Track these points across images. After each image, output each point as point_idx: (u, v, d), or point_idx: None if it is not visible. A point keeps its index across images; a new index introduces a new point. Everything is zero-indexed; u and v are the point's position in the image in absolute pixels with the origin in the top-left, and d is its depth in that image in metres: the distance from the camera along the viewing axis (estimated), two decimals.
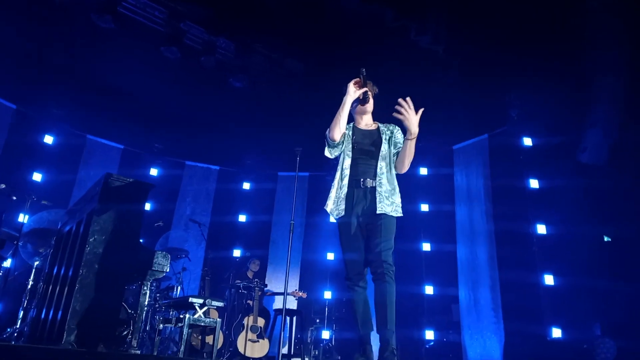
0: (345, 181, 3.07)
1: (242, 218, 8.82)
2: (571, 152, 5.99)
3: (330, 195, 3.16)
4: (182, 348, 3.79)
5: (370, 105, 3.23)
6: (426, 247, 7.54)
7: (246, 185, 9.06)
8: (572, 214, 6.07)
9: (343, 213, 3.01)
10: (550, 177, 6.43)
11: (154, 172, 8.36)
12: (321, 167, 8.77)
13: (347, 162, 3.12)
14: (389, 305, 2.74)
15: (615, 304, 5.40)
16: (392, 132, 3.24)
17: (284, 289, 4.67)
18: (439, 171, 7.74)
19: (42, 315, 3.80)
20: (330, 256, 8.42)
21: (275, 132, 7.86)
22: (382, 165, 3.11)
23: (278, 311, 6.46)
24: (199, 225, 7.38)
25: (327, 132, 3.09)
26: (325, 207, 3.14)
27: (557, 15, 5.45)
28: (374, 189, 3.02)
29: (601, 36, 5.46)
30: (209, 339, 4.67)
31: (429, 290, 7.27)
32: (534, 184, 6.58)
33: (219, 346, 5.66)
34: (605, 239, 6.06)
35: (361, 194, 3.03)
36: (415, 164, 7.87)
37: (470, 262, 6.88)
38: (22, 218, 5.41)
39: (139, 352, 3.28)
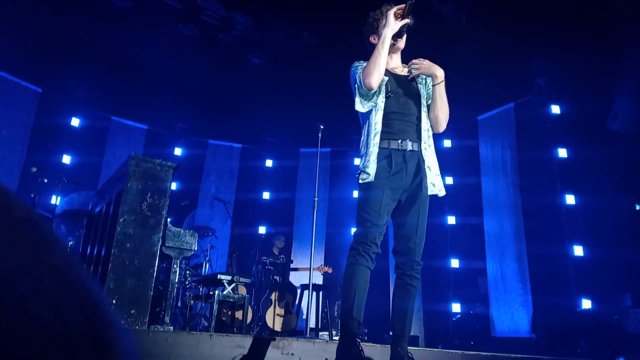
0: (378, 139, 2.41)
1: (265, 195, 8.89)
2: (601, 120, 5.79)
3: (361, 156, 2.50)
4: (212, 323, 3.90)
5: (403, 41, 2.58)
6: (451, 220, 7.48)
7: (269, 163, 9.09)
8: (601, 183, 5.91)
9: (372, 179, 2.35)
10: (579, 146, 6.25)
11: (178, 151, 8.46)
12: (343, 142, 8.73)
13: (379, 115, 2.44)
14: (410, 314, 2.38)
15: None
16: (426, 80, 2.62)
17: (309, 265, 4.72)
18: (463, 143, 7.61)
19: None
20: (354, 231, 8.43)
21: (296, 108, 7.82)
22: (426, 122, 2.53)
23: (305, 286, 6.55)
24: (224, 204, 7.47)
25: (358, 77, 2.43)
26: (357, 174, 2.48)
27: None
28: (416, 154, 2.44)
29: (627, 6, 5.21)
30: (239, 314, 4.77)
31: (454, 263, 7.25)
32: (562, 153, 6.42)
33: (248, 321, 5.78)
34: (637, 207, 5.90)
35: (400, 159, 2.39)
36: (439, 136, 7.79)
37: (497, 235, 6.81)
38: (55, 200, 5.56)
39: (172, 328, 3.38)
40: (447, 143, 7.79)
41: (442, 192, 2.54)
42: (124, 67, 6.95)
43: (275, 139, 8.99)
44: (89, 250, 4.08)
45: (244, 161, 8.95)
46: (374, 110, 2.47)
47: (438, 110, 2.54)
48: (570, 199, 6.22)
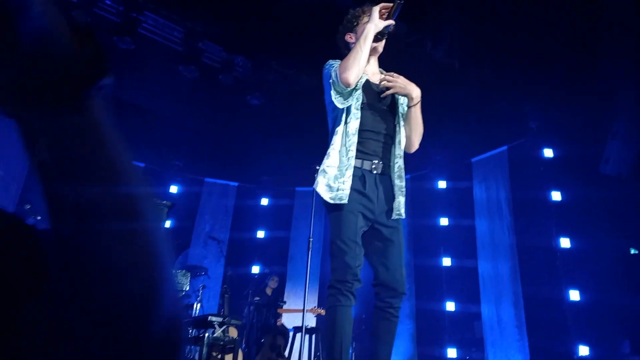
0: (353, 154, 2.22)
1: (260, 234, 8.84)
2: (594, 164, 5.86)
3: (325, 168, 2.26)
4: None
5: (382, 45, 2.40)
6: (446, 262, 7.43)
7: (264, 201, 9.09)
8: (596, 226, 5.92)
9: (345, 199, 2.17)
10: (573, 189, 6.30)
11: (173, 189, 8.47)
12: None
13: (355, 125, 2.25)
14: (391, 346, 2.23)
15: None
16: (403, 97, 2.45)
17: (302, 306, 4.63)
18: (458, 184, 7.66)
19: None
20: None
21: (292, 148, 7.91)
22: (400, 141, 2.39)
23: (297, 329, 6.41)
24: (217, 242, 7.41)
25: (334, 72, 2.21)
26: (314, 187, 2.28)
27: (576, 26, 5.40)
28: (387, 178, 2.32)
29: (621, 49, 5.39)
30: (229, 358, 4.64)
31: (450, 306, 7.14)
32: (556, 196, 6.45)
33: None
34: (632, 251, 5.88)
35: (372, 182, 2.25)
36: (433, 176, 7.88)
37: (492, 278, 6.74)
38: None
39: None
40: (441, 184, 7.84)
41: (403, 215, 2.42)
42: (123, 107, 7.06)
43: (272, 177, 9.04)
44: None
45: (240, 199, 8.95)
46: (346, 121, 2.29)
47: (412, 132, 2.45)
48: (565, 242, 6.21)
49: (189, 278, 3.57)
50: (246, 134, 7.89)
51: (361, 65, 2.18)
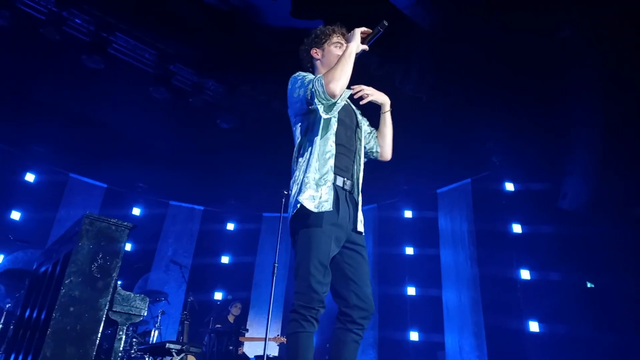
0: (329, 168, 2.16)
1: (224, 259, 8.68)
2: (552, 198, 6.09)
3: (306, 178, 2.15)
4: None
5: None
6: (411, 291, 7.47)
7: (230, 226, 8.97)
8: (554, 259, 6.10)
9: (328, 207, 2.08)
10: (533, 222, 6.50)
11: (136, 211, 8.25)
12: None
13: (332, 140, 2.22)
14: None
15: (599, 352, 5.35)
16: (361, 114, 2.52)
17: (265, 334, 4.54)
18: (423, 214, 7.78)
19: None
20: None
21: (261, 174, 7.89)
22: (362, 160, 2.40)
23: (259, 358, 6.26)
24: (180, 267, 7.23)
25: (317, 83, 2.13)
26: (295, 196, 2.15)
27: (536, 66, 5.68)
28: (353, 196, 2.28)
29: (577, 88, 5.69)
30: None
31: (414, 336, 7.14)
32: (516, 228, 6.64)
33: None
34: (589, 285, 6.07)
35: (343, 197, 2.21)
36: (400, 206, 7.99)
37: (455, 308, 6.81)
38: None
39: None
40: (407, 214, 7.94)
41: (361, 230, 2.31)
42: (88, 125, 6.91)
43: (239, 202, 8.95)
44: (27, 313, 3.80)
45: (205, 224, 8.80)
46: (323, 131, 2.22)
47: (386, 138, 2.51)
48: (525, 274, 6.36)
49: (147, 303, 3.44)
50: (215, 157, 7.82)
51: (347, 77, 2.17)
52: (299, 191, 2.15)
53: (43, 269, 4.00)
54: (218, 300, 8.19)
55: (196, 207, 8.88)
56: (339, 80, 2.12)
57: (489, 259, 6.60)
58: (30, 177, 7.21)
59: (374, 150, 2.57)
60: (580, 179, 5.81)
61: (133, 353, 5.23)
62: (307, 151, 2.24)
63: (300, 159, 2.27)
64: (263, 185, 7.96)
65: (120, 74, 6.20)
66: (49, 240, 6.74)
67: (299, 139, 2.33)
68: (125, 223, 3.37)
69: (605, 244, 5.60)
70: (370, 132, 2.57)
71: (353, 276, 2.19)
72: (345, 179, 2.25)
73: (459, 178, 7.40)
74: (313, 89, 2.14)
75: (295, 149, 2.34)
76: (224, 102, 6.92)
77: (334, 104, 2.16)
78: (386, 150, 2.54)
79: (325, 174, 2.16)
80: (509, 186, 6.89)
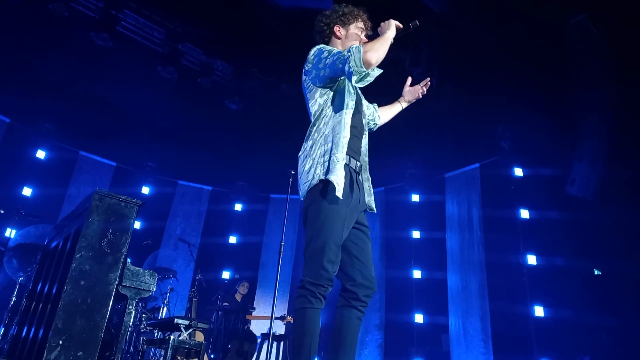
0: (345, 149, 2.16)
1: (232, 239, 8.76)
2: (560, 184, 6.05)
3: (322, 158, 2.17)
4: None
5: None
6: (417, 274, 7.51)
7: (238, 207, 9.03)
8: (561, 245, 6.09)
9: (340, 195, 2.07)
10: (541, 208, 6.48)
11: (145, 190, 8.32)
12: None
13: (349, 120, 2.22)
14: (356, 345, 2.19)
15: (604, 337, 5.38)
16: (367, 106, 2.60)
17: (271, 313, 4.61)
18: (430, 198, 7.78)
19: (23, 333, 3.71)
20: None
21: (269, 155, 7.90)
22: (367, 142, 2.46)
23: (265, 336, 6.36)
24: (188, 245, 7.31)
25: (355, 49, 2.10)
26: (323, 176, 2.12)
27: (547, 53, 5.61)
28: (359, 175, 2.32)
29: (587, 76, 5.62)
30: None
31: (418, 318, 7.20)
32: (524, 214, 6.62)
33: None
34: (596, 272, 6.07)
35: (355, 178, 2.26)
36: (407, 190, 7.98)
37: (460, 291, 6.85)
38: (9, 232, 5.34)
39: None
40: (415, 197, 7.94)
41: (373, 209, 2.40)
42: (98, 103, 6.93)
43: (246, 183, 8.99)
44: (39, 286, 3.89)
45: (213, 204, 8.86)
46: (343, 110, 2.23)
47: (390, 117, 2.75)
48: (531, 259, 6.37)
49: (156, 279, 3.50)
50: (223, 138, 7.84)
51: (384, 53, 2.16)
52: (325, 169, 2.13)
53: (54, 243, 4.07)
54: (226, 279, 8.30)
55: (204, 187, 8.93)
56: (377, 53, 2.12)
57: (496, 244, 6.60)
58: (41, 154, 7.28)
59: (374, 122, 2.69)
60: (589, 166, 5.76)
61: (142, 328, 5.35)
62: (326, 127, 2.24)
63: (316, 135, 2.26)
64: (271, 167, 7.98)
65: (129, 52, 6.20)
66: (59, 216, 6.84)
67: (316, 113, 2.30)
68: (134, 200, 3.41)
69: (613, 231, 5.58)
70: (374, 110, 2.68)
71: (359, 255, 2.23)
72: (356, 161, 2.29)
73: (467, 163, 7.36)
74: (349, 55, 2.10)
75: (311, 125, 2.31)
76: (232, 83, 6.92)
77: (366, 74, 2.15)
78: (382, 123, 2.73)
79: (343, 156, 2.15)
80: (518, 171, 6.86)
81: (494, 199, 6.84)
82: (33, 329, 3.44)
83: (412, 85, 2.74)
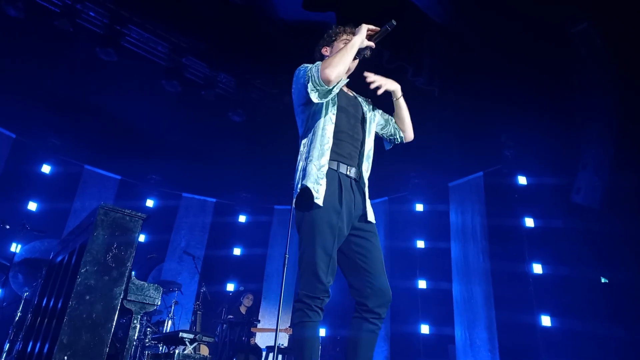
0: (327, 157, 2.17)
1: (236, 251, 8.75)
2: (566, 193, 6.03)
3: (303, 167, 2.18)
4: None
5: (356, 63, 2.40)
6: (422, 284, 7.46)
7: (242, 218, 9.03)
8: (567, 254, 6.05)
9: (320, 202, 2.08)
10: (546, 216, 6.45)
11: (150, 203, 8.35)
12: None
13: (330, 128, 2.22)
14: None
15: (612, 347, 5.32)
16: (373, 107, 2.55)
17: (276, 325, 4.58)
18: (434, 207, 7.76)
19: (29, 349, 3.71)
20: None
21: (272, 166, 7.92)
22: (370, 147, 2.41)
23: (270, 348, 6.32)
24: (193, 258, 7.30)
25: (313, 69, 2.15)
26: (300, 185, 2.15)
27: (550, 60, 5.61)
28: (360, 183, 2.28)
29: (591, 83, 5.62)
30: None
31: (424, 329, 7.15)
32: (529, 222, 6.59)
33: None
34: (602, 280, 6.02)
35: (348, 184, 2.22)
36: (411, 199, 7.97)
37: (466, 301, 6.79)
38: (15, 247, 5.35)
39: None
40: (419, 207, 7.92)
41: (374, 221, 2.33)
42: (103, 117, 6.99)
43: (250, 195, 9.00)
44: (44, 301, 3.89)
45: (217, 216, 8.87)
46: (322, 120, 2.24)
47: (404, 121, 2.55)
48: (537, 268, 6.32)
49: (161, 293, 3.50)
50: (226, 150, 7.87)
51: (344, 66, 2.15)
52: (302, 177, 2.16)
53: (59, 258, 4.08)
54: (230, 292, 8.28)
55: (208, 199, 8.95)
56: (335, 67, 2.11)
57: (501, 253, 6.57)
58: (46, 169, 7.33)
59: (397, 135, 2.61)
60: (594, 173, 5.74)
61: (147, 342, 5.33)
62: (308, 140, 2.26)
63: (302, 148, 2.29)
64: (274, 178, 7.99)
65: (133, 67, 6.26)
66: (64, 231, 6.87)
67: (302, 128, 2.35)
68: (139, 214, 3.42)
69: (620, 240, 5.54)
70: (387, 120, 2.60)
71: (365, 265, 2.18)
72: (348, 166, 2.25)
73: (471, 171, 7.35)
74: (309, 74, 2.14)
75: (300, 139, 2.35)
76: (235, 96, 6.96)
77: (329, 91, 2.15)
78: (408, 133, 2.60)
79: (325, 163, 2.16)
80: (522, 180, 6.83)
81: (499, 208, 6.81)
82: (38, 344, 3.43)
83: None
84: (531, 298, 6.17)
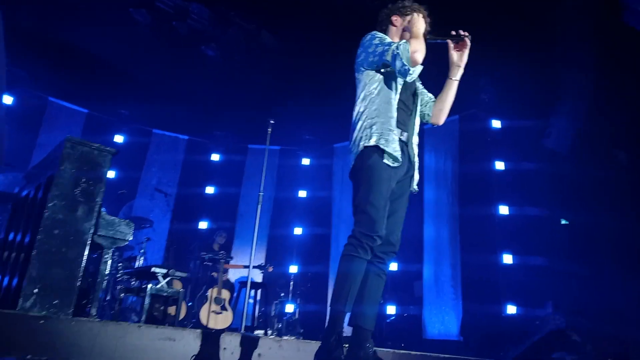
0: (392, 120, 2.38)
1: (209, 190, 8.71)
2: (537, 137, 6.14)
3: (375, 126, 2.35)
4: (143, 318, 3.76)
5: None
6: None
7: (215, 157, 8.92)
8: (533, 196, 6.26)
9: (384, 159, 2.31)
10: (516, 159, 6.59)
11: (119, 139, 8.11)
12: (293, 141, 8.71)
13: (395, 97, 2.44)
14: (377, 308, 2.39)
15: (569, 284, 5.65)
16: (422, 84, 2.75)
17: (249, 262, 4.67)
18: None
19: None
20: (298, 231, 8.47)
21: (247, 104, 7.73)
22: (417, 120, 2.63)
23: (243, 284, 6.48)
24: (164, 195, 7.25)
25: (402, 47, 2.32)
26: (367, 142, 2.32)
27: (531, 7, 5.50)
28: (409, 149, 2.51)
29: (571, 32, 5.58)
30: (172, 310, 4.64)
31: (393, 266, 7.41)
32: (499, 165, 6.73)
33: (181, 317, 5.64)
34: (563, 222, 6.29)
35: (402, 146, 2.44)
36: None
37: (434, 241, 7.04)
38: None
39: (98, 320, 3.23)
40: None
41: (416, 189, 2.60)
42: (68, 48, 6.59)
43: (224, 133, 8.84)
44: (11, 236, 3.82)
45: (190, 154, 8.73)
46: (388, 89, 2.44)
47: (448, 104, 2.66)
48: (503, 209, 6.54)
49: (133, 229, 3.48)
50: (199, 86, 7.60)
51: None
52: (369, 136, 2.33)
53: (25, 192, 3.97)
54: (203, 229, 8.33)
55: (180, 136, 8.77)
56: (422, 54, 2.34)
57: (470, 196, 6.74)
58: (8, 100, 6.97)
59: (427, 117, 2.73)
60: (567, 119, 5.83)
61: (119, 276, 5.37)
62: (371, 102, 2.42)
63: (362, 109, 2.44)
64: (249, 116, 7.83)
65: None
66: (30, 164, 6.65)
67: (365, 88, 2.47)
68: (108, 148, 3.32)
69: (585, 184, 5.74)
70: (428, 100, 2.74)
71: (392, 217, 2.39)
72: (402, 131, 2.45)
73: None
74: (397, 52, 2.31)
75: (361, 94, 2.48)
76: (209, 29, 6.61)
77: (408, 71, 2.32)
78: (442, 117, 2.70)
79: (389, 125, 2.36)
80: (496, 123, 6.90)
81: (472, 152, 6.91)
82: (7, 278, 3.40)
83: (454, 41, 2.65)
84: (495, 238, 6.43)
